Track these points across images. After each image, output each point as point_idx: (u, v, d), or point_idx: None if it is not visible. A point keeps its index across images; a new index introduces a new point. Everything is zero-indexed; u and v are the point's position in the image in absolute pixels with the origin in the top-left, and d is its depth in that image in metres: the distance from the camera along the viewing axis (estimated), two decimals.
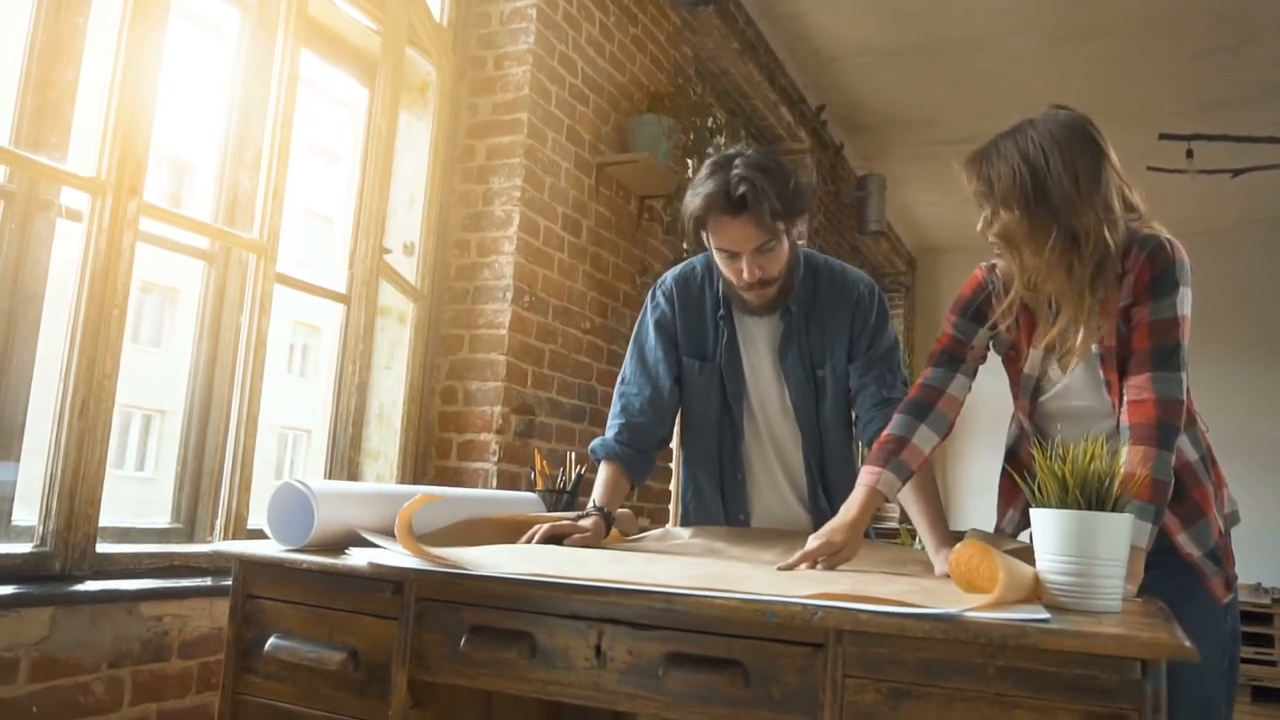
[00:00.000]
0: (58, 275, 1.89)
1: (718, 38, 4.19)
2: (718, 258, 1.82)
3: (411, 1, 2.66)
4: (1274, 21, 4.28)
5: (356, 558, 1.36)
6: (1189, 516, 1.55)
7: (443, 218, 2.90)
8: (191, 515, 2.25)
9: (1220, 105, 4.98)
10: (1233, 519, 1.64)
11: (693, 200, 1.76)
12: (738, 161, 1.73)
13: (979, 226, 1.57)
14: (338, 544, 1.46)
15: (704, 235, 1.81)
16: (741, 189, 1.68)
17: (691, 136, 3.54)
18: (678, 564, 1.42)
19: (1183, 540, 1.54)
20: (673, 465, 3.70)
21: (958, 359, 1.69)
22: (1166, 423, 1.43)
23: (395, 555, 1.34)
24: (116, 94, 1.90)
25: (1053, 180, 1.46)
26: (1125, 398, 1.48)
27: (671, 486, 3.69)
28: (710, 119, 3.70)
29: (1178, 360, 1.47)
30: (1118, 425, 1.50)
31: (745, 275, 1.76)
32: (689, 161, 3.59)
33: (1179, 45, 4.54)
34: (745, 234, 1.73)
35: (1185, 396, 1.47)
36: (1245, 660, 4.83)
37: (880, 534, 2.27)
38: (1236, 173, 4.73)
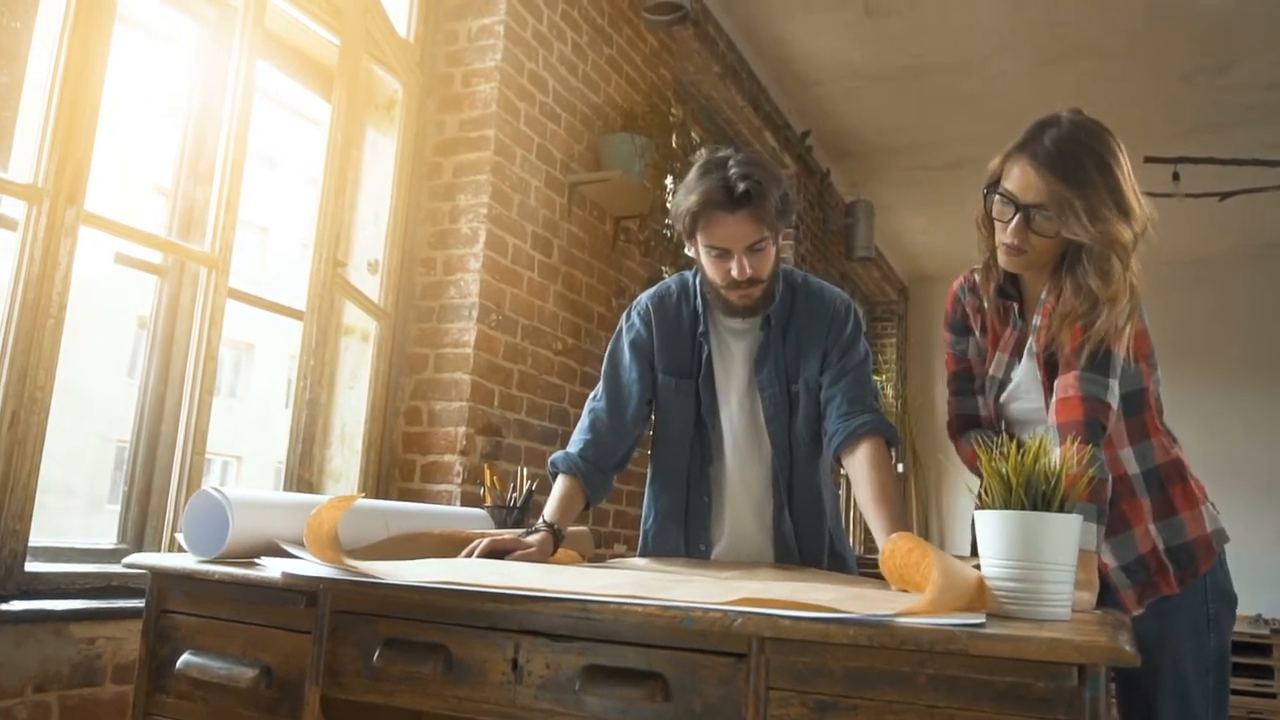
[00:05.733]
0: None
1: (698, 61, 4.17)
2: (707, 257, 1.78)
3: (370, 13, 2.63)
4: (1259, 42, 4.26)
5: (270, 568, 1.29)
6: (1111, 527, 1.51)
7: (408, 235, 2.85)
8: (139, 535, 2.18)
9: (1207, 127, 4.96)
10: (1219, 537, 1.57)
11: (687, 198, 1.73)
12: (732, 161, 1.72)
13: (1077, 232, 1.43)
14: (256, 555, 1.39)
15: (695, 236, 1.77)
16: (744, 185, 1.68)
17: (671, 158, 3.50)
18: (612, 575, 1.35)
19: (1101, 549, 1.49)
20: None
21: (968, 377, 1.71)
22: (1094, 419, 1.39)
23: (310, 565, 1.27)
24: (55, 100, 1.85)
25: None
26: (1054, 397, 1.44)
27: None
28: (687, 138, 3.67)
29: (1107, 366, 1.42)
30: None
31: (735, 273, 1.74)
32: (666, 182, 3.55)
33: (1165, 67, 4.52)
34: (742, 230, 1.72)
35: (1110, 401, 1.42)
36: (1245, 692, 4.70)
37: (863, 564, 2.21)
38: (1224, 196, 4.68)
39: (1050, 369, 1.50)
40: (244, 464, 19.18)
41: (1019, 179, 1.45)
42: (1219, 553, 1.56)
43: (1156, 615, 1.53)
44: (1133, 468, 1.53)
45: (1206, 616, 1.54)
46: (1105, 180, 1.41)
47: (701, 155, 3.74)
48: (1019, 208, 1.45)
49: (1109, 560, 1.51)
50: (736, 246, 1.73)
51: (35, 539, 1.91)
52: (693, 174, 1.77)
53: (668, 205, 3.61)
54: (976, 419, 1.70)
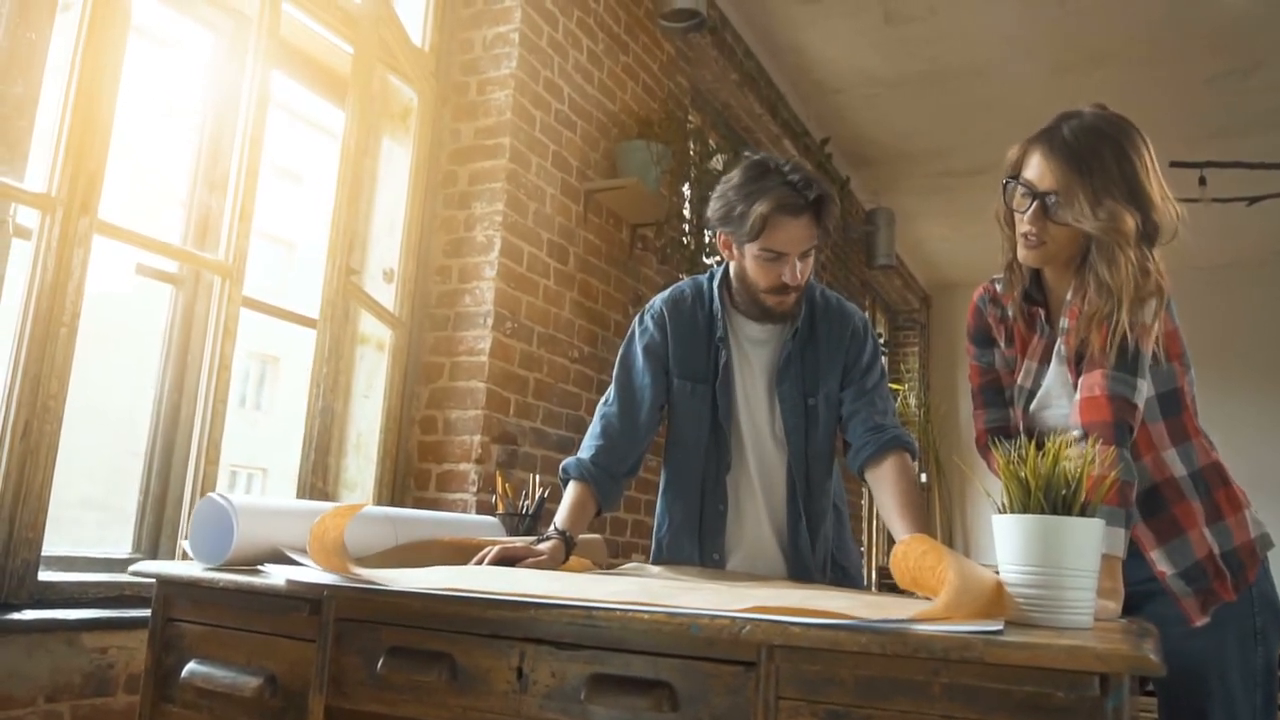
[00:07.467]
0: (12, 294, 1.84)
1: (716, 69, 4.16)
2: (757, 261, 1.73)
3: (384, 22, 2.63)
4: None
5: (274, 575, 1.27)
6: (1164, 533, 1.45)
7: (424, 243, 2.85)
8: (153, 544, 2.18)
9: (1232, 132, 4.88)
10: (1263, 543, 1.50)
11: (750, 202, 1.68)
12: (787, 165, 1.70)
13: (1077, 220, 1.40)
14: (261, 563, 1.37)
15: (756, 239, 1.71)
16: (815, 191, 1.67)
17: (690, 166, 3.48)
18: (619, 582, 1.32)
19: (1155, 556, 1.45)
20: None
21: (995, 389, 1.67)
22: (1122, 420, 1.34)
23: (315, 572, 1.26)
24: (70, 110, 1.86)
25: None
26: (1078, 395, 1.40)
27: None
28: (704, 145, 3.65)
29: (1136, 365, 1.38)
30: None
31: (787, 277, 1.72)
32: (683, 189, 3.53)
33: (1188, 71, 4.46)
34: (804, 234, 1.71)
35: (1137, 402, 1.37)
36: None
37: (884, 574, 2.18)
38: (1251, 200, 4.61)
39: (1080, 373, 1.46)
40: (269, 477, 19.27)
41: (1035, 167, 1.44)
42: (1264, 560, 1.50)
43: (1204, 625, 1.47)
44: (1179, 470, 1.47)
45: (1254, 628, 1.47)
46: (1120, 169, 1.38)
47: (719, 161, 3.72)
48: (1035, 196, 1.43)
49: (1165, 568, 1.45)
50: (795, 250, 1.71)
51: (59, 549, 1.91)
52: (742, 178, 1.72)
53: (684, 212, 3.59)
54: (1004, 430, 1.65)
